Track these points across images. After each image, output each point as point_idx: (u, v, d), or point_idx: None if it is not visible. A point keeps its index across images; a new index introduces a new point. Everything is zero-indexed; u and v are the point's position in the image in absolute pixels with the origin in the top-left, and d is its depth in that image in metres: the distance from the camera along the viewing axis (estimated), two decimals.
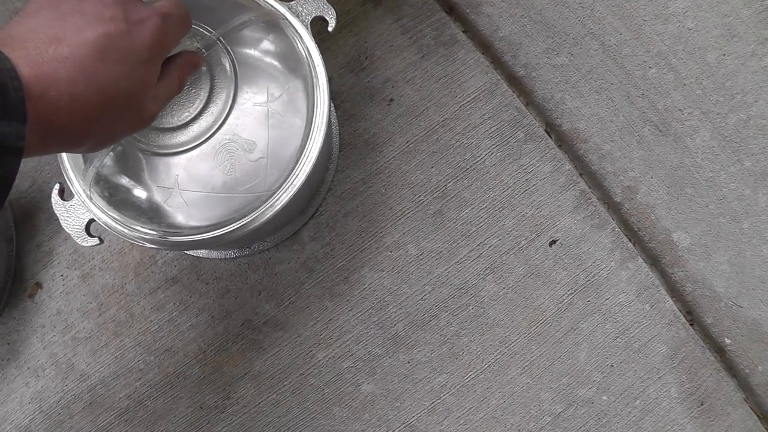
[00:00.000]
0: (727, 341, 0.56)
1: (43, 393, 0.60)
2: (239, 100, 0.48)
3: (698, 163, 0.58)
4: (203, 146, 0.49)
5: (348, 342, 0.58)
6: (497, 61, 0.61)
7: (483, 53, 0.61)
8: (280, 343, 0.59)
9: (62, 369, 0.60)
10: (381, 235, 0.59)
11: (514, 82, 0.61)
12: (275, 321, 0.59)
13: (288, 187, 0.47)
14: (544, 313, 0.57)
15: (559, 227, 0.58)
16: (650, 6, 0.59)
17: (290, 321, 0.59)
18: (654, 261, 0.57)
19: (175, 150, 0.48)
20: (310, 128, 0.48)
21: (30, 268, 0.62)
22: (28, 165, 0.63)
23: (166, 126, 0.47)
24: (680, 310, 0.57)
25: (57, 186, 0.52)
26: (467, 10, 0.61)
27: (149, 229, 0.49)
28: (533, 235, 0.58)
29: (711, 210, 0.57)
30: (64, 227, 0.51)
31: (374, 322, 0.58)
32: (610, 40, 0.60)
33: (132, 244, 0.50)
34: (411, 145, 0.60)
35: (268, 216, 0.49)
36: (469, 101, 0.60)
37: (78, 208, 0.51)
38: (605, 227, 0.58)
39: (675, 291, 0.57)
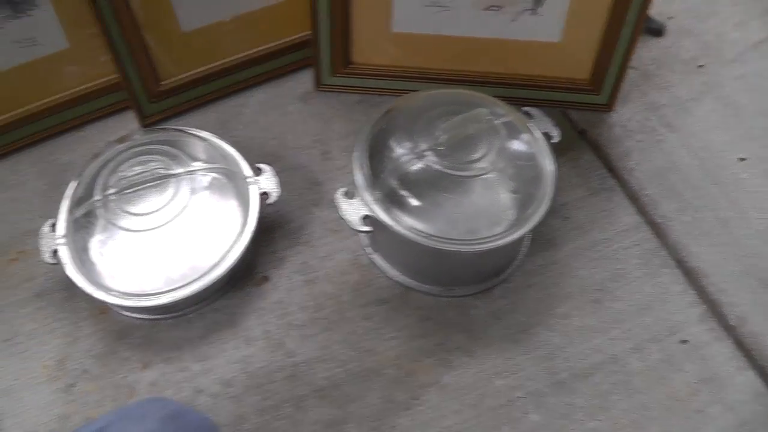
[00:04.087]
0: None
1: (251, 358, 0.76)
2: (508, 153, 0.72)
3: None
4: (481, 178, 0.73)
5: (521, 378, 0.75)
6: (642, 210, 0.89)
7: (632, 202, 0.88)
8: (466, 365, 0.76)
9: (272, 343, 0.76)
10: (554, 306, 0.80)
11: (653, 226, 0.88)
12: (465, 348, 0.77)
13: (530, 222, 0.73)
14: (677, 392, 0.76)
15: (688, 332, 0.80)
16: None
17: (477, 351, 0.77)
18: (765, 377, 0.77)
19: (465, 173, 0.72)
20: (546, 192, 0.73)
21: (262, 266, 0.82)
22: (284, 204, 0.86)
23: (463, 160, 0.73)
24: None
25: (343, 189, 0.74)
26: (622, 172, 0.92)
27: (421, 231, 0.70)
28: (668, 333, 0.80)
29: None
30: (343, 216, 0.74)
31: (544, 367, 0.76)
32: (721, 214, 0.88)
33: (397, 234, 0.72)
34: (579, 251, 0.85)
35: (513, 238, 0.71)
36: (621, 230, 0.87)
37: (357, 205, 0.74)
38: (724, 341, 0.80)
39: None
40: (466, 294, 0.81)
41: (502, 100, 0.81)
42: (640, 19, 0.85)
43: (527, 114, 0.82)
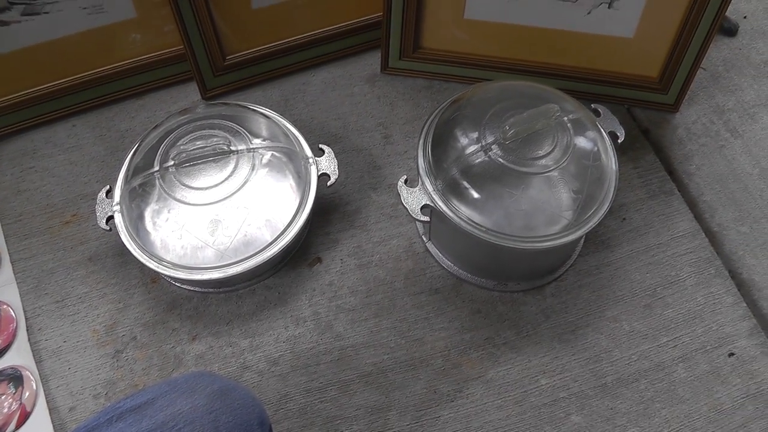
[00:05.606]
0: None
1: (299, 339, 0.81)
2: (574, 152, 0.73)
3: None
4: (544, 175, 0.74)
5: (567, 378, 0.78)
6: (699, 217, 0.91)
7: (690, 208, 0.90)
8: (512, 361, 0.78)
9: (321, 325, 0.79)
10: (604, 308, 0.83)
11: (710, 234, 0.89)
12: (512, 344, 0.79)
13: (589, 224, 0.75)
14: (721, 405, 0.79)
15: (737, 345, 0.82)
16: None
17: (524, 348, 0.79)
18: None
19: (529, 170, 0.74)
20: (607, 193, 0.75)
21: (315, 247, 0.84)
22: (342, 186, 0.90)
23: (527, 156, 0.75)
24: None
25: (404, 176, 0.76)
26: (682, 176, 0.92)
27: (479, 224, 0.72)
28: (716, 345, 0.82)
29: None
30: (404, 203, 0.77)
31: (589, 369, 0.79)
32: None
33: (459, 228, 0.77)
34: (634, 254, 0.87)
35: (571, 238, 0.72)
36: (678, 236, 0.88)
37: (418, 194, 0.76)
38: None
39: None
40: (518, 290, 0.84)
41: (568, 93, 0.82)
42: (717, 20, 0.85)
43: (595, 111, 0.83)
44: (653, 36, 0.89)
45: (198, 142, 0.80)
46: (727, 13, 1.03)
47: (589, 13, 0.87)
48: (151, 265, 0.78)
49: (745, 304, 0.86)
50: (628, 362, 0.81)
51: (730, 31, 1.04)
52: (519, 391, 0.78)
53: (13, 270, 0.85)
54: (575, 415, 0.77)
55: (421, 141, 0.78)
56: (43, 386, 0.79)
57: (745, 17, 1.06)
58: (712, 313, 0.85)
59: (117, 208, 0.80)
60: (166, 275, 0.81)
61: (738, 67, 1.02)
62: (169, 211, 0.80)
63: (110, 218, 0.80)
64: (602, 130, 0.80)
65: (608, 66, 0.93)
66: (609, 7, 0.87)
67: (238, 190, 0.79)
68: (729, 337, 0.83)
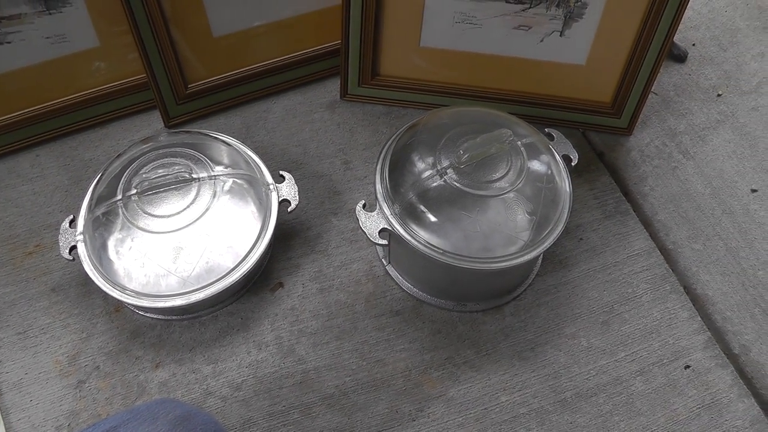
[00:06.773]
0: None
1: (261, 363, 0.83)
2: (527, 174, 0.77)
3: None
4: (500, 198, 0.78)
5: (526, 394, 0.81)
6: (654, 235, 0.95)
7: (645, 227, 0.94)
8: (472, 380, 0.81)
9: (283, 350, 0.82)
10: (562, 325, 0.86)
11: (665, 251, 0.93)
12: (472, 363, 0.82)
13: (544, 244, 0.79)
14: (678, 416, 0.82)
15: (692, 357, 0.86)
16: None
17: (484, 366, 0.82)
18: (764, 404, 0.84)
19: (484, 192, 0.77)
20: (561, 214, 0.78)
21: (277, 272, 0.87)
22: (303, 211, 0.92)
23: (483, 179, 0.79)
24: None
25: (362, 201, 0.79)
26: (637, 196, 0.97)
27: (437, 247, 0.75)
28: (673, 358, 0.85)
29: None
30: (362, 228, 0.80)
31: (549, 385, 0.82)
32: (731, 244, 0.93)
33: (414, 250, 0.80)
34: (591, 272, 0.90)
35: (527, 259, 0.76)
36: (633, 254, 0.92)
37: (376, 218, 0.79)
38: (726, 368, 0.86)
39: None
40: (477, 310, 0.87)
41: (524, 118, 0.86)
42: (665, 47, 0.90)
43: (549, 135, 0.87)
44: (604, 63, 0.95)
45: (160, 171, 0.82)
46: (676, 41, 1.09)
47: (541, 41, 0.93)
48: (115, 294, 0.80)
49: (699, 318, 0.90)
50: (587, 377, 0.84)
51: (680, 57, 1.10)
52: (479, 408, 0.81)
53: None
54: (535, 431, 0.80)
55: (379, 166, 0.82)
56: (3, 420, 0.80)
57: (693, 45, 1.12)
58: (668, 327, 0.88)
59: (80, 237, 0.82)
60: (129, 304, 0.83)
61: (688, 91, 1.08)
62: (132, 240, 0.82)
63: (73, 248, 0.82)
64: (555, 153, 0.85)
65: (562, 92, 0.98)
66: (561, 36, 0.92)
67: (200, 217, 0.82)
68: (685, 351, 0.87)
